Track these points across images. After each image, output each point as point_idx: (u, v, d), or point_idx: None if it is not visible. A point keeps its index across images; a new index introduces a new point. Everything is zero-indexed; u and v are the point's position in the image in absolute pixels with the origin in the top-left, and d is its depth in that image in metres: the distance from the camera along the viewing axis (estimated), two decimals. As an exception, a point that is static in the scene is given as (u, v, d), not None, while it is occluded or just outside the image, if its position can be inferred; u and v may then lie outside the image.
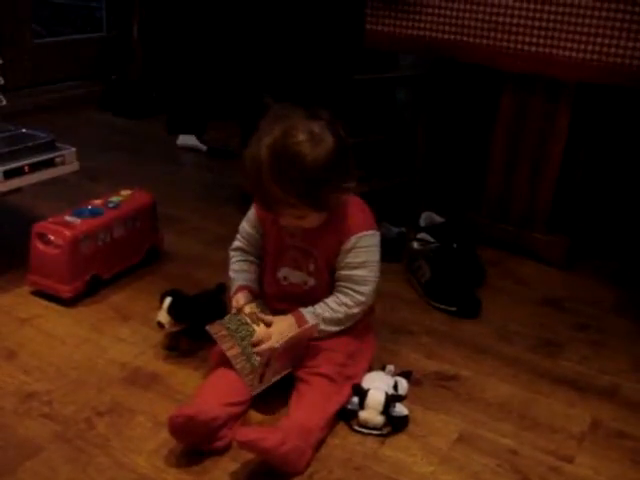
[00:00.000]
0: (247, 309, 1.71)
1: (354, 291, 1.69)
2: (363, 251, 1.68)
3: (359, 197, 1.75)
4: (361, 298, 1.69)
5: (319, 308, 1.68)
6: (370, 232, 1.70)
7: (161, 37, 3.78)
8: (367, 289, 1.70)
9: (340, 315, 1.68)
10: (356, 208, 1.72)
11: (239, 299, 1.74)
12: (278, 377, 1.67)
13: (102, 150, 3.29)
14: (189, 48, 3.41)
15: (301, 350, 1.69)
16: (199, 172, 3.21)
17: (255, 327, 1.67)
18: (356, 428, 1.60)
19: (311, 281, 1.73)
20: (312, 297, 1.72)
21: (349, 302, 1.68)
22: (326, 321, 1.67)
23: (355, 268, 1.68)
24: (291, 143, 1.54)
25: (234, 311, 1.72)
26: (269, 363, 1.61)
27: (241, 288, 1.77)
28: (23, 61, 3.76)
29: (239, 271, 1.81)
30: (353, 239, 1.67)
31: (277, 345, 1.59)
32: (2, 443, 1.51)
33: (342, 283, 1.70)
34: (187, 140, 3.41)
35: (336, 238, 1.68)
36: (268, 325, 1.67)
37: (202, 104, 3.44)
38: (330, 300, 1.69)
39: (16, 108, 2.85)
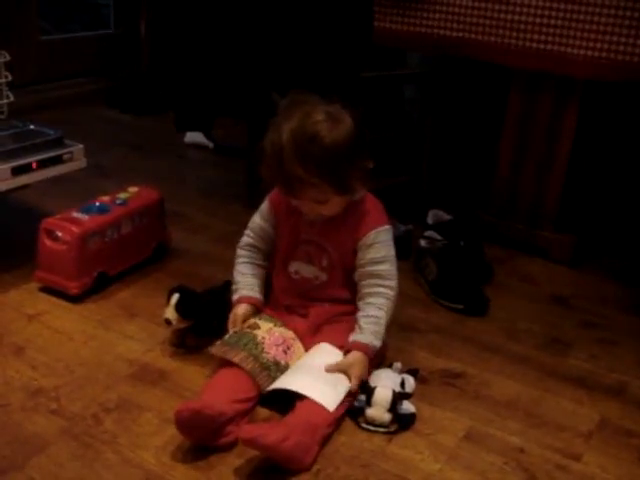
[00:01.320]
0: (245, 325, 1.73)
1: (384, 287, 1.70)
2: (382, 246, 1.71)
3: (372, 194, 1.76)
4: (392, 293, 1.71)
5: (369, 325, 1.67)
6: (386, 227, 1.73)
7: (168, 34, 3.77)
8: (394, 283, 1.72)
9: (386, 319, 1.69)
10: (371, 204, 1.74)
11: (238, 317, 1.74)
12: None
13: (109, 147, 3.30)
14: (196, 45, 3.40)
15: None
16: (206, 169, 3.21)
17: (256, 332, 1.68)
18: (363, 425, 1.60)
19: (323, 276, 1.73)
20: (322, 292, 1.73)
21: (386, 302, 1.70)
22: (381, 333, 1.69)
23: (379, 263, 1.70)
24: (311, 123, 1.58)
25: (230, 330, 1.73)
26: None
27: (242, 299, 1.78)
28: (30, 58, 3.77)
29: (244, 274, 1.82)
30: (372, 234, 1.69)
31: (356, 387, 1.61)
32: (10, 439, 1.51)
33: (369, 281, 1.71)
34: (194, 137, 3.41)
35: (351, 234, 1.70)
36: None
37: (209, 101, 3.44)
38: (372, 310, 1.69)
39: (23, 105, 2.85)
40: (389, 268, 1.71)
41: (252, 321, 1.72)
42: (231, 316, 1.75)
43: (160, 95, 3.87)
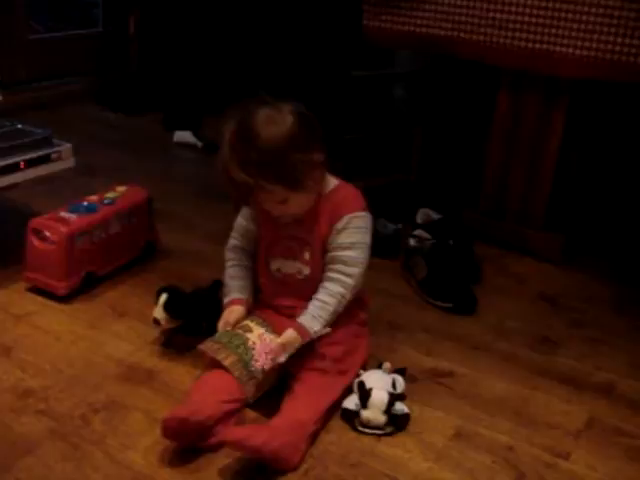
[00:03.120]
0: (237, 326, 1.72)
1: (344, 274, 1.67)
2: (354, 232, 1.68)
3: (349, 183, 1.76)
4: (350, 281, 1.68)
5: (314, 309, 1.66)
6: (362, 213, 1.71)
7: (157, 33, 3.77)
8: (356, 271, 1.68)
9: (335, 307, 1.67)
10: (347, 190, 1.73)
11: (230, 317, 1.73)
12: (276, 380, 1.68)
13: (98, 146, 3.28)
14: (185, 44, 3.40)
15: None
16: (195, 168, 3.20)
17: (248, 335, 1.67)
18: (359, 428, 1.59)
19: (306, 270, 1.72)
20: (307, 287, 1.72)
21: (340, 290, 1.67)
22: (324, 318, 1.66)
23: (346, 249, 1.68)
24: (247, 127, 1.57)
25: (221, 329, 1.72)
26: (270, 374, 1.62)
27: (234, 302, 1.76)
28: (19, 57, 3.75)
29: (233, 277, 1.81)
30: (345, 218, 1.67)
31: (282, 359, 1.60)
32: (-3, 440, 1.51)
33: (331, 266, 1.69)
34: (183, 136, 3.41)
35: (329, 220, 1.68)
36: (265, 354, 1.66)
37: (198, 100, 3.44)
38: (321, 295, 1.68)
39: (12, 104, 2.85)
40: (355, 255, 1.68)
41: (244, 323, 1.71)
42: (223, 317, 1.74)
43: (150, 94, 3.87)
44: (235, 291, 1.78)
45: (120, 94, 3.91)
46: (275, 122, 1.57)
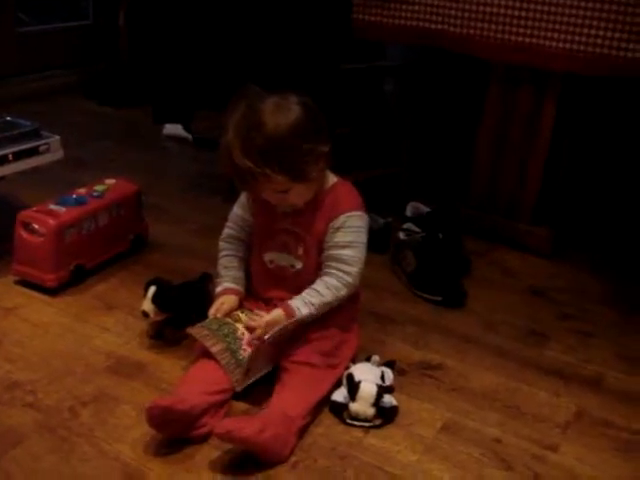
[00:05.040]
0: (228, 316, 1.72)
1: (342, 272, 1.68)
2: (351, 231, 1.69)
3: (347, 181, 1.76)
4: (349, 279, 1.68)
5: (307, 295, 1.67)
6: (359, 212, 1.71)
7: (147, 26, 3.76)
8: (354, 270, 1.69)
9: (329, 299, 1.67)
10: (345, 190, 1.73)
11: (222, 306, 1.73)
12: (264, 372, 1.67)
13: (87, 139, 3.27)
14: (175, 37, 3.39)
15: (285, 341, 1.68)
16: (185, 162, 3.20)
17: (238, 325, 1.67)
18: (347, 421, 1.59)
19: (299, 264, 1.73)
20: (298, 281, 1.72)
21: (337, 284, 1.67)
22: (315, 306, 1.66)
23: (343, 247, 1.68)
24: (254, 115, 1.57)
25: (211, 316, 1.72)
26: (256, 357, 1.61)
27: (227, 291, 1.77)
28: (7, 50, 3.73)
29: (227, 267, 1.81)
30: (342, 218, 1.68)
31: (266, 337, 1.59)
32: (-15, 432, 1.51)
33: (329, 263, 1.69)
34: (173, 129, 3.39)
35: (326, 219, 1.69)
36: (251, 330, 1.66)
37: (188, 93, 3.42)
38: (318, 285, 1.68)
39: (1, 97, 2.83)
40: (353, 254, 1.69)
41: (235, 313, 1.72)
42: (215, 304, 1.73)
43: (139, 87, 3.85)
44: (229, 281, 1.78)
45: (109, 87, 3.89)
46: (282, 111, 1.58)
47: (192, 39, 3.31)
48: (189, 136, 3.36)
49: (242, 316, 1.70)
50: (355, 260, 1.69)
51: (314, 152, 1.60)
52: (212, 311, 1.72)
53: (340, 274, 1.68)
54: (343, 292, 1.69)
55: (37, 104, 3.54)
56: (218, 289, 1.78)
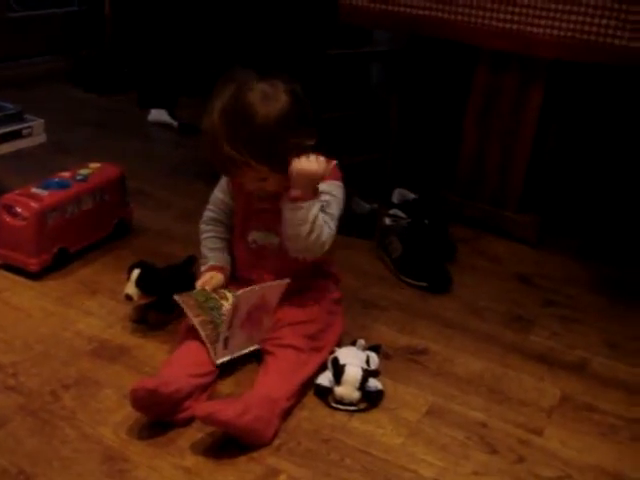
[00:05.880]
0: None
1: (326, 213, 1.64)
2: (329, 197, 1.65)
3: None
4: (332, 224, 1.64)
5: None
6: (337, 182, 1.69)
7: (132, 11, 3.73)
8: (336, 214, 1.66)
9: (319, 225, 1.60)
10: None
11: (210, 281, 1.71)
12: (245, 351, 1.66)
13: (72, 125, 3.24)
14: (161, 22, 3.36)
15: (268, 323, 1.67)
16: (170, 148, 3.18)
17: (224, 302, 1.65)
18: (332, 405, 1.58)
19: (276, 240, 1.71)
20: (280, 259, 1.70)
21: (327, 229, 1.62)
22: (313, 218, 1.59)
23: (325, 194, 1.65)
24: (241, 103, 1.55)
25: (199, 288, 1.70)
26: (232, 322, 1.58)
27: (214, 268, 1.75)
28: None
29: (212, 249, 1.80)
30: (321, 186, 1.63)
31: (239, 292, 1.56)
32: (-34, 415, 1.49)
33: None
34: (158, 116, 3.37)
35: None
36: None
37: (173, 78, 3.40)
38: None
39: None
40: (333, 202, 1.65)
41: (222, 291, 1.70)
42: (202, 278, 1.72)
43: (124, 74, 3.83)
44: (214, 260, 1.77)
45: (94, 74, 3.86)
46: (270, 102, 1.55)
47: (178, 25, 3.29)
48: (174, 122, 3.34)
49: (228, 294, 1.68)
50: (334, 217, 1.66)
51: (299, 145, 1.59)
52: (199, 283, 1.70)
53: (326, 218, 1.63)
54: (324, 238, 1.62)
55: (21, 91, 3.51)
56: (203, 267, 1.77)
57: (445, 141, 2.73)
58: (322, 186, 1.63)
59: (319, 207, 1.60)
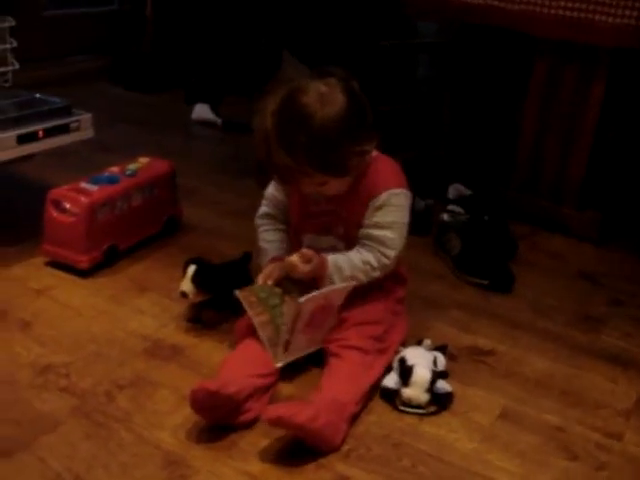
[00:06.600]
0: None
1: (380, 253, 1.58)
2: (393, 210, 1.58)
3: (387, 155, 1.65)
4: (386, 261, 1.59)
5: (342, 261, 1.57)
6: (402, 190, 1.61)
7: (175, 7, 3.70)
8: (393, 253, 1.59)
9: (360, 274, 1.58)
10: (386, 164, 1.63)
11: (273, 272, 1.61)
12: (306, 352, 1.58)
13: (113, 123, 3.19)
14: (205, 19, 3.32)
15: (331, 323, 1.59)
16: (214, 145, 3.13)
17: (287, 298, 1.57)
18: (401, 408, 1.51)
19: (340, 245, 1.63)
20: None
21: (373, 262, 1.58)
22: (343, 277, 1.57)
23: (384, 228, 1.58)
24: (297, 106, 1.46)
25: (261, 281, 1.61)
26: (294, 327, 1.50)
27: (274, 259, 1.66)
28: (33, 34, 3.65)
29: (271, 241, 1.71)
30: (384, 195, 1.57)
31: (302, 299, 1.47)
32: (17, 417, 1.43)
33: (366, 242, 1.59)
34: (202, 113, 3.31)
35: (366, 194, 1.58)
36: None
37: (220, 73, 3.35)
38: (354, 255, 1.58)
39: (26, 81, 2.76)
40: (394, 237, 1.58)
41: (285, 282, 1.61)
42: (265, 271, 1.63)
43: (164, 73, 3.80)
44: (274, 251, 1.69)
45: (135, 72, 3.83)
46: (328, 104, 1.46)
47: (224, 23, 3.24)
48: (218, 120, 3.28)
49: (291, 287, 1.59)
50: (396, 243, 1.60)
51: (360, 151, 1.51)
52: (261, 278, 1.61)
53: (378, 255, 1.58)
54: (377, 273, 1.59)
55: (62, 89, 3.45)
56: (265, 260, 1.69)
57: (501, 135, 2.64)
58: (379, 215, 1.58)
59: (339, 263, 1.57)
